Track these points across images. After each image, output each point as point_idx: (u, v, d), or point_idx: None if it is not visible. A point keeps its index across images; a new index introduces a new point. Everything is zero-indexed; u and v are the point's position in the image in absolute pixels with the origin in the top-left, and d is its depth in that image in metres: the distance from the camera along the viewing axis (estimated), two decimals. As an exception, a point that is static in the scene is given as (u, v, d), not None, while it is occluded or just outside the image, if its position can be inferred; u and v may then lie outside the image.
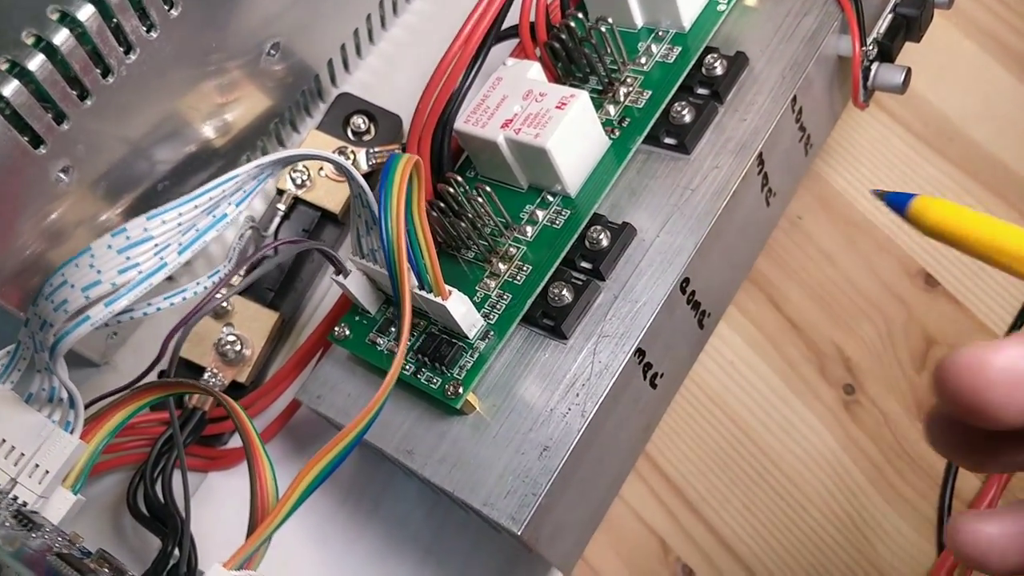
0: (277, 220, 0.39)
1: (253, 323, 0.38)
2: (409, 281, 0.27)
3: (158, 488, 0.35)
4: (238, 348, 0.37)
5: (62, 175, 0.29)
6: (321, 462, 0.24)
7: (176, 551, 0.33)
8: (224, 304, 0.38)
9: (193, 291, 0.27)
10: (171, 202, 0.25)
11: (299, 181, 0.40)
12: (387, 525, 0.36)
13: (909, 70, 0.36)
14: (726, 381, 0.40)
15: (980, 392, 0.17)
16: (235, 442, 0.39)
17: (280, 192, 0.40)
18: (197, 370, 0.37)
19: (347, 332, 0.34)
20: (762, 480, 0.39)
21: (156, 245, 0.25)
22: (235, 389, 0.38)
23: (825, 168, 0.44)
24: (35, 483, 0.26)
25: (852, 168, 0.44)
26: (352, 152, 0.40)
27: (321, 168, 0.40)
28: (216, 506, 0.38)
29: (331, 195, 0.40)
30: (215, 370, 0.37)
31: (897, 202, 0.24)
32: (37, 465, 0.26)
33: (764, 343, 0.41)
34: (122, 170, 0.34)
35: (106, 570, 0.26)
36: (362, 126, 0.41)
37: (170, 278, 0.39)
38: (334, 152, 0.40)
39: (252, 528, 0.25)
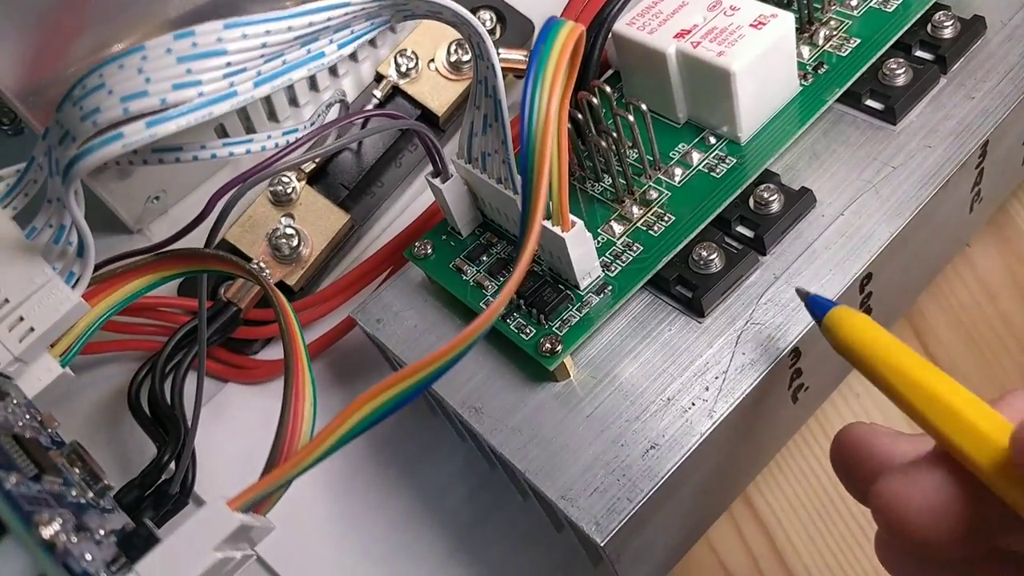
0: (370, 108, 0.33)
1: (318, 220, 0.32)
2: (545, 198, 0.20)
3: (167, 386, 0.29)
4: (295, 244, 0.31)
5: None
6: (376, 400, 0.18)
7: (172, 465, 0.27)
8: (289, 190, 0.32)
9: (261, 144, 0.21)
10: (260, 14, 0.19)
11: (404, 68, 0.33)
12: (421, 495, 0.30)
13: None
14: (848, 417, 0.33)
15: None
16: (267, 353, 0.33)
17: (380, 77, 0.34)
18: (243, 259, 0.31)
19: (429, 250, 0.27)
20: (868, 544, 0.32)
21: (229, 64, 0.18)
22: (281, 292, 0.32)
23: (1010, 197, 0.37)
24: (14, 339, 0.20)
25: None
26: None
27: (432, 60, 0.34)
28: (230, 423, 0.32)
29: (437, 93, 0.33)
30: (262, 264, 0.31)
31: (815, 306, 0.22)
32: (22, 318, 0.20)
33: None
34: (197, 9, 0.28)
35: (76, 470, 0.20)
36: (488, 23, 0.35)
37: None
38: (451, 44, 0.34)
39: (271, 464, 0.19)
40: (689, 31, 0.26)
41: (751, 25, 0.25)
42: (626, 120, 0.25)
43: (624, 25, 0.27)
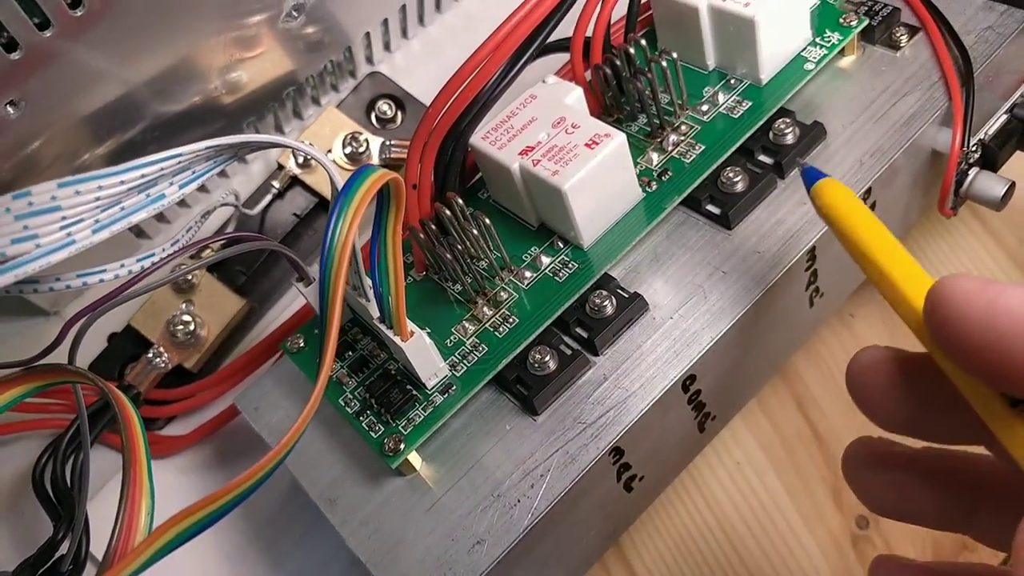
0: (269, 198, 0.35)
1: (215, 305, 0.34)
2: (339, 316, 0.22)
3: (68, 467, 0.31)
4: (191, 329, 0.33)
5: (9, 108, 0.25)
6: (195, 515, 0.20)
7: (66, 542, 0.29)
8: (190, 278, 0.34)
9: (115, 274, 0.23)
10: (93, 171, 0.21)
11: (302, 160, 0.36)
12: (304, 569, 0.32)
13: (1012, 184, 0.30)
14: (727, 483, 0.35)
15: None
16: (172, 429, 0.35)
17: (280, 167, 0.36)
18: (144, 344, 0.34)
19: (301, 344, 0.30)
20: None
21: (64, 218, 0.21)
22: (180, 376, 0.34)
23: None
24: None
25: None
26: (366, 140, 0.36)
27: (329, 151, 0.36)
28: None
29: (333, 183, 0.36)
30: (161, 349, 0.33)
31: (809, 175, 0.25)
32: None
33: (779, 449, 0.36)
34: (101, 111, 0.30)
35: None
36: (388, 112, 0.37)
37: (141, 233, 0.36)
38: (346, 137, 0.36)
39: (103, 568, 0.21)
40: (533, 148, 0.28)
41: (586, 144, 0.27)
42: (471, 232, 0.27)
43: (479, 139, 0.29)
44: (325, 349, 0.21)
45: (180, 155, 0.22)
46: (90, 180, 0.21)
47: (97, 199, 0.21)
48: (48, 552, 0.29)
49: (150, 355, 0.33)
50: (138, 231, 0.36)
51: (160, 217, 0.37)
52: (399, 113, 0.38)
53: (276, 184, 0.35)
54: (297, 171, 0.36)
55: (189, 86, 0.33)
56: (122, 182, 0.21)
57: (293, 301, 0.36)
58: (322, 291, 0.22)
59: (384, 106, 0.37)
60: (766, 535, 0.35)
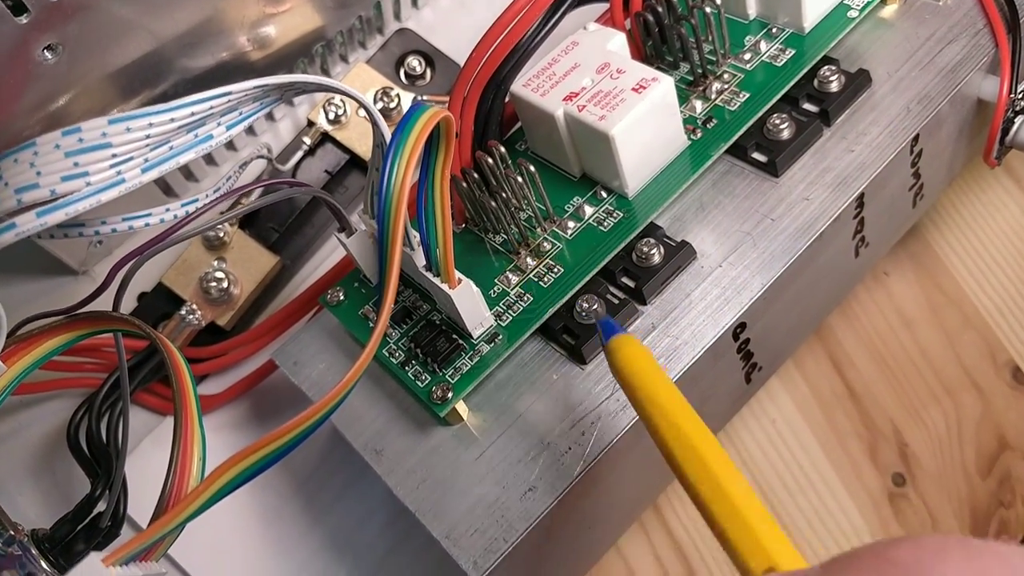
0: (300, 154, 0.35)
1: (248, 263, 0.34)
2: (400, 257, 0.22)
3: (103, 424, 0.31)
4: (224, 286, 0.33)
5: (47, 53, 0.25)
6: (253, 455, 0.20)
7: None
8: (222, 235, 0.34)
9: (160, 218, 0.23)
10: (144, 108, 0.21)
11: (332, 116, 0.35)
12: (343, 524, 0.32)
13: (1060, 133, 0.30)
14: (763, 442, 0.35)
15: None
16: (205, 387, 0.35)
17: (310, 124, 0.35)
18: (176, 301, 0.33)
19: (341, 297, 0.29)
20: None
21: (115, 156, 0.20)
22: (213, 333, 0.34)
23: (928, 226, 0.38)
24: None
25: (959, 232, 0.38)
26: (397, 95, 0.35)
27: (360, 107, 0.35)
28: (168, 454, 0.34)
29: (364, 139, 0.35)
30: (194, 306, 0.33)
31: (604, 329, 0.22)
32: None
33: (815, 408, 0.36)
34: (132, 65, 0.30)
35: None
36: (417, 68, 0.37)
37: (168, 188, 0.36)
38: (378, 92, 0.36)
39: (158, 512, 0.21)
40: (578, 93, 0.27)
41: (632, 89, 0.26)
42: (516, 180, 0.27)
43: (520, 86, 0.28)
44: (387, 288, 0.21)
45: (230, 93, 0.21)
46: (141, 117, 0.20)
47: (148, 136, 0.20)
48: (86, 508, 0.29)
49: (183, 312, 0.33)
50: (165, 187, 0.36)
51: (188, 175, 0.37)
52: (428, 70, 0.37)
53: (307, 140, 0.35)
54: (328, 127, 0.35)
55: (218, 41, 0.33)
56: (172, 119, 0.21)
57: (326, 259, 0.36)
58: (381, 234, 0.22)
59: (414, 62, 0.37)
60: (803, 493, 0.34)
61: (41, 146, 0.20)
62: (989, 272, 0.38)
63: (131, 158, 0.21)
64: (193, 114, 0.21)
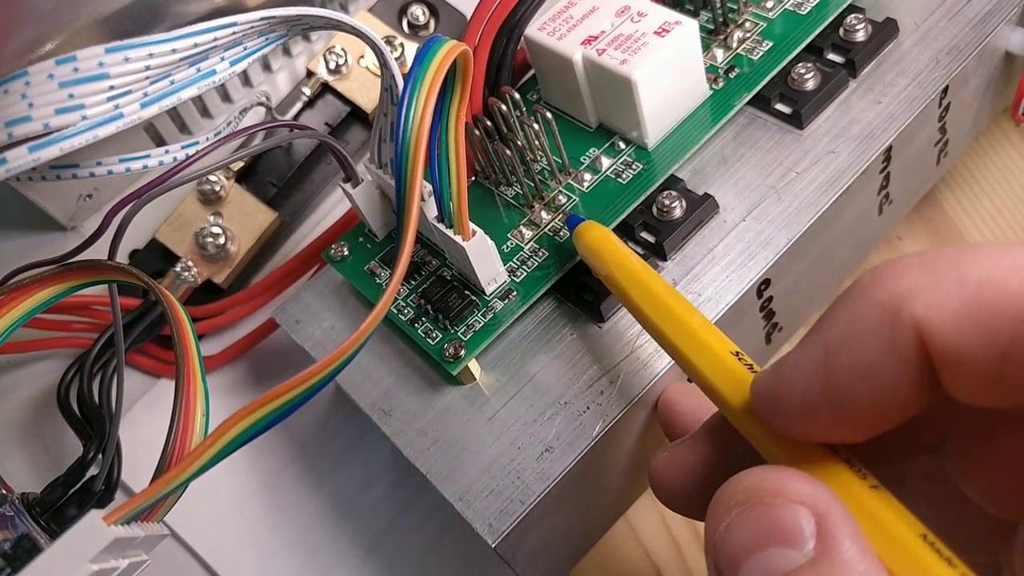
0: (299, 105, 0.33)
1: (245, 219, 0.32)
2: (419, 203, 0.21)
3: (95, 385, 0.30)
4: (221, 242, 0.31)
5: (34, -16, 0.23)
6: (260, 410, 0.18)
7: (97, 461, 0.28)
8: (218, 189, 0.32)
9: (159, 160, 0.22)
10: (143, 37, 0.19)
11: (333, 66, 0.34)
12: (344, 489, 0.30)
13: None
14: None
15: None
16: (202, 348, 0.33)
17: (310, 74, 0.34)
18: (171, 258, 0.32)
19: (345, 252, 0.28)
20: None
21: (112, 88, 0.19)
22: (209, 291, 0.32)
23: (943, 189, 0.37)
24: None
25: (973, 197, 0.37)
26: (401, 45, 0.34)
27: (362, 56, 0.34)
28: (162, 418, 0.32)
29: (366, 89, 0.34)
30: (190, 263, 0.31)
31: (570, 221, 0.25)
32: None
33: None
34: (126, 8, 0.28)
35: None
36: (421, 18, 0.35)
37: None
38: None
39: (160, 470, 0.20)
40: (597, 37, 0.26)
41: (655, 32, 0.25)
42: (533, 127, 0.26)
43: (535, 30, 0.27)
44: (404, 238, 0.20)
45: (235, 24, 0.20)
46: (140, 47, 0.19)
47: (147, 68, 0.19)
48: (78, 471, 0.28)
49: (178, 269, 0.31)
50: (159, 139, 0.34)
51: (183, 127, 0.35)
52: (432, 20, 0.36)
53: (306, 91, 0.33)
54: (328, 78, 0.34)
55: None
56: (174, 50, 0.19)
57: (326, 216, 0.35)
58: (399, 180, 0.20)
59: (417, 11, 0.35)
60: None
61: (33, 76, 0.18)
62: (1003, 236, 0.37)
63: (130, 91, 0.19)
64: (196, 45, 0.20)
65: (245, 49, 0.21)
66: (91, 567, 0.17)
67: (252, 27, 0.20)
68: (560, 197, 0.27)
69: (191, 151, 0.22)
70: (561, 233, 0.26)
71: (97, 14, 0.28)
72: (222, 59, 0.21)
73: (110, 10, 0.29)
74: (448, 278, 0.26)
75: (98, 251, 0.23)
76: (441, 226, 0.24)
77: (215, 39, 0.20)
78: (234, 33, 0.20)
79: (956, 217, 0.37)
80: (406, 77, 0.20)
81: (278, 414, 0.19)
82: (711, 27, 0.29)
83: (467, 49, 0.20)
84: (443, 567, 0.29)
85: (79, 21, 0.28)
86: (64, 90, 0.18)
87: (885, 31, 0.28)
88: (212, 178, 0.32)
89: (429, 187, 0.24)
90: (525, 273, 0.25)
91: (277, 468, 0.31)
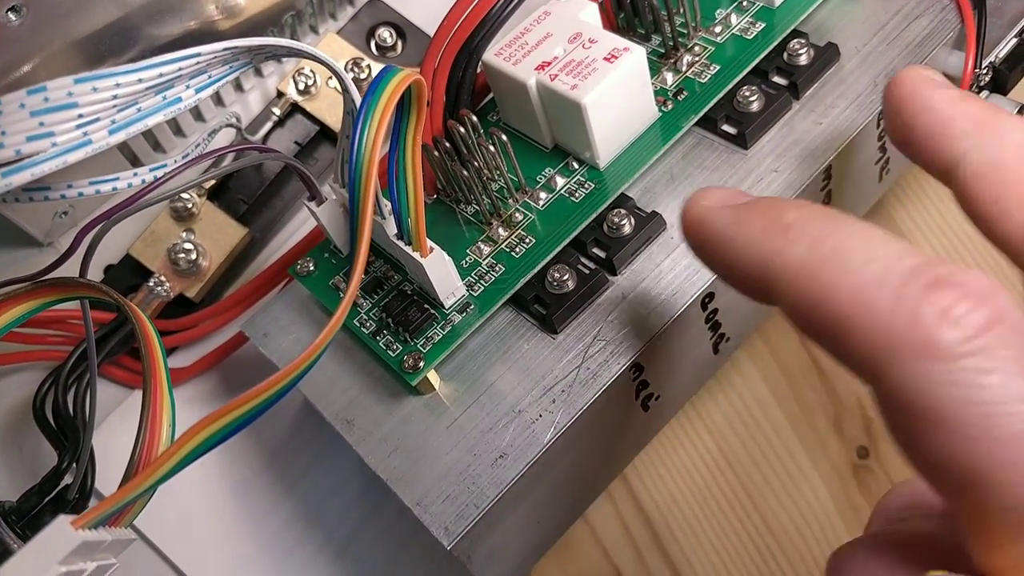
0: (269, 125, 0.35)
1: (216, 234, 0.33)
2: (371, 225, 0.22)
3: (70, 397, 0.31)
4: (193, 258, 0.32)
5: (11, 15, 0.24)
6: (223, 418, 0.19)
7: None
8: (190, 206, 0.33)
9: (128, 182, 0.23)
10: (111, 68, 0.20)
11: (303, 86, 0.35)
12: (314, 495, 0.32)
13: (1022, 108, 0.30)
14: (730, 413, 0.36)
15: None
16: (174, 361, 0.34)
17: (280, 95, 0.35)
18: (145, 273, 0.33)
19: (311, 267, 0.29)
20: (743, 530, 0.34)
21: (81, 116, 0.20)
22: (182, 305, 0.33)
23: (893, 201, 0.39)
24: None
25: (922, 208, 0.39)
26: (368, 66, 0.35)
27: (330, 78, 0.35)
28: (136, 428, 0.33)
29: (335, 109, 0.35)
30: (162, 278, 0.32)
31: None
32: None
33: (781, 380, 0.36)
34: (98, 32, 0.29)
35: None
36: (388, 40, 0.36)
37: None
38: (348, 63, 0.35)
39: (127, 476, 0.21)
40: (550, 63, 0.27)
41: (605, 59, 0.27)
42: (488, 149, 0.27)
43: (492, 55, 0.28)
44: (357, 254, 0.21)
45: (199, 54, 0.21)
46: (108, 77, 0.20)
47: (115, 97, 0.20)
48: (53, 480, 0.29)
49: (151, 284, 0.32)
50: (132, 157, 0.35)
51: (156, 146, 0.36)
52: (399, 41, 0.37)
53: (276, 111, 0.34)
54: (298, 98, 0.35)
55: (186, 9, 0.32)
56: (140, 80, 0.20)
57: (295, 232, 0.36)
58: (352, 200, 0.22)
59: (385, 33, 0.36)
60: (769, 465, 0.35)
61: (5, 105, 0.19)
62: (952, 248, 0.38)
63: (98, 119, 0.20)
64: (161, 75, 0.21)
65: (210, 77, 0.22)
66: (60, 568, 0.18)
67: (216, 57, 0.22)
68: (517, 215, 0.28)
69: (159, 173, 0.23)
70: (517, 250, 0.27)
71: (70, 37, 0.30)
72: (187, 87, 0.22)
73: (82, 33, 0.30)
74: (409, 292, 0.27)
75: (71, 268, 0.24)
76: (400, 243, 0.25)
77: (180, 69, 0.21)
78: (198, 63, 0.21)
79: (907, 229, 0.38)
80: (359, 105, 0.21)
81: (240, 422, 0.20)
82: (662, 51, 0.30)
83: (419, 78, 0.22)
84: (409, 570, 0.30)
85: (53, 45, 0.30)
86: (35, 119, 0.19)
87: (827, 55, 0.29)
88: (184, 196, 0.33)
89: (390, 206, 0.25)
90: (483, 287, 0.27)
91: (248, 476, 0.32)
